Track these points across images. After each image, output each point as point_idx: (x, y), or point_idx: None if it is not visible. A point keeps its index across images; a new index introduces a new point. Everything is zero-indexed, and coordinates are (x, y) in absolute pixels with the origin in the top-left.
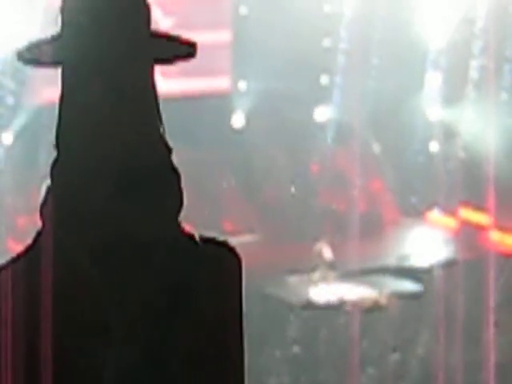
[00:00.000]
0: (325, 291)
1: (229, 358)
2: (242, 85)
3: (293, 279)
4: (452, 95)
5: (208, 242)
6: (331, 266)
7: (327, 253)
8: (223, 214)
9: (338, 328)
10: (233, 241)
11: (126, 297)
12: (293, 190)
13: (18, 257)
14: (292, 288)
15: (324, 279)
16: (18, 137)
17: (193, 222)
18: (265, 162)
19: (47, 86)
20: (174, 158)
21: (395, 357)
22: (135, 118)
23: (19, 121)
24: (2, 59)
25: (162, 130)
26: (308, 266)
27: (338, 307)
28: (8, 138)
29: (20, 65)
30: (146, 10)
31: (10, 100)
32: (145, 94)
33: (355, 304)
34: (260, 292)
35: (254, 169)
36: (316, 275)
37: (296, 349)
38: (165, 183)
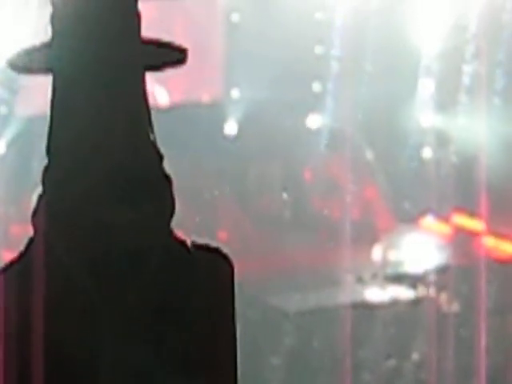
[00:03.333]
0: (351, 295)
1: (221, 365)
2: (235, 92)
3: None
4: (445, 101)
5: (200, 248)
6: (382, 267)
7: (378, 254)
8: (217, 222)
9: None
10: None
11: (118, 304)
12: (284, 195)
13: (11, 264)
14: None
15: (374, 280)
16: (10, 146)
17: (187, 230)
18: (258, 170)
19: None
20: (166, 166)
21: (390, 363)
22: (126, 125)
23: (12, 130)
24: None
25: (152, 137)
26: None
27: (365, 311)
28: (0, 146)
29: (13, 74)
30: (137, 16)
31: (2, 109)
32: (136, 101)
33: (382, 308)
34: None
35: (248, 177)
36: (366, 276)
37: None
38: (156, 190)
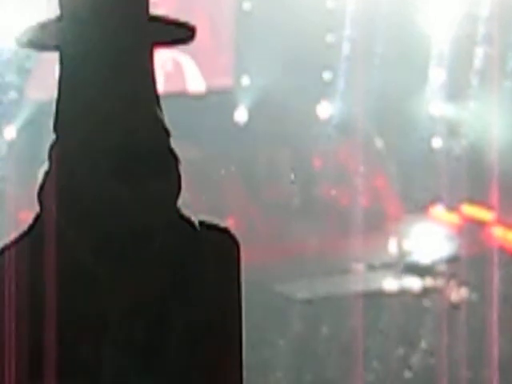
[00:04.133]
0: (361, 283)
1: (227, 343)
2: (245, 80)
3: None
4: (455, 91)
5: (208, 227)
6: (391, 256)
7: (387, 243)
8: (226, 209)
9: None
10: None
11: (123, 280)
12: (292, 177)
13: (18, 239)
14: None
15: (359, 271)
16: (20, 131)
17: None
18: (267, 157)
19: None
20: (176, 151)
21: (399, 352)
22: (134, 101)
23: (22, 115)
24: (4, 53)
25: (160, 114)
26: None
27: (374, 299)
28: (11, 132)
29: (23, 59)
30: None
31: (12, 94)
32: (144, 78)
33: (392, 296)
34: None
35: (257, 163)
36: (375, 265)
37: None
38: (163, 167)
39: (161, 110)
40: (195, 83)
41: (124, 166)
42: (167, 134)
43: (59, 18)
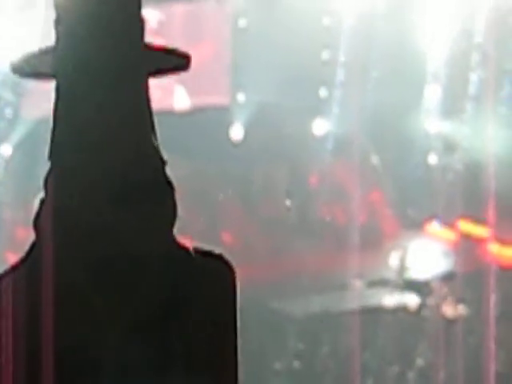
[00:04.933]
0: (357, 300)
1: (222, 369)
2: (241, 97)
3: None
4: (451, 108)
5: (203, 254)
6: (399, 273)
7: (394, 261)
8: (222, 225)
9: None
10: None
11: (119, 307)
12: (288, 203)
13: (14, 267)
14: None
15: (355, 288)
16: (16, 149)
17: (191, 233)
18: (263, 175)
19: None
20: (172, 171)
21: (395, 368)
22: (129, 130)
23: (18, 133)
24: (1, 71)
25: (155, 142)
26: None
27: (370, 316)
28: (7, 149)
29: (18, 77)
30: (141, 22)
31: (8, 112)
32: (139, 107)
33: (388, 313)
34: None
35: (253, 181)
36: (347, 284)
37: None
38: (159, 196)
39: (156, 137)
40: (181, 101)
41: (120, 194)
42: (162, 162)
43: (55, 47)
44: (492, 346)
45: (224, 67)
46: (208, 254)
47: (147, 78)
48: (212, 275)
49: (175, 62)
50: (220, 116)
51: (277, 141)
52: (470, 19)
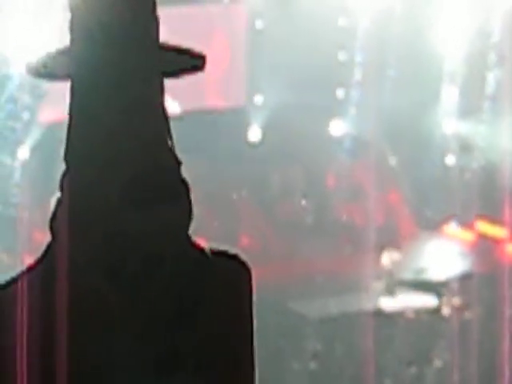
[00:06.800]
0: (375, 301)
1: (238, 372)
2: (258, 99)
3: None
4: (468, 108)
5: (218, 255)
6: (392, 274)
7: (388, 262)
8: (240, 228)
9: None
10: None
11: (134, 310)
12: (305, 204)
13: (30, 269)
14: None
15: (373, 289)
16: (33, 151)
17: (209, 236)
18: (281, 176)
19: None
20: (189, 172)
21: (412, 370)
22: (144, 131)
23: (35, 136)
24: (18, 74)
25: (170, 143)
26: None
27: (388, 317)
28: (24, 152)
29: (36, 79)
30: (156, 22)
31: (26, 115)
32: (153, 107)
33: (406, 314)
34: None
35: (270, 183)
36: (380, 284)
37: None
38: (174, 196)
39: (171, 138)
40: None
41: (136, 195)
42: (178, 163)
43: (69, 48)
44: (508, 346)
45: (240, 69)
46: (223, 254)
47: (162, 78)
48: (228, 275)
49: (190, 62)
50: (237, 118)
51: (294, 142)
52: (487, 19)
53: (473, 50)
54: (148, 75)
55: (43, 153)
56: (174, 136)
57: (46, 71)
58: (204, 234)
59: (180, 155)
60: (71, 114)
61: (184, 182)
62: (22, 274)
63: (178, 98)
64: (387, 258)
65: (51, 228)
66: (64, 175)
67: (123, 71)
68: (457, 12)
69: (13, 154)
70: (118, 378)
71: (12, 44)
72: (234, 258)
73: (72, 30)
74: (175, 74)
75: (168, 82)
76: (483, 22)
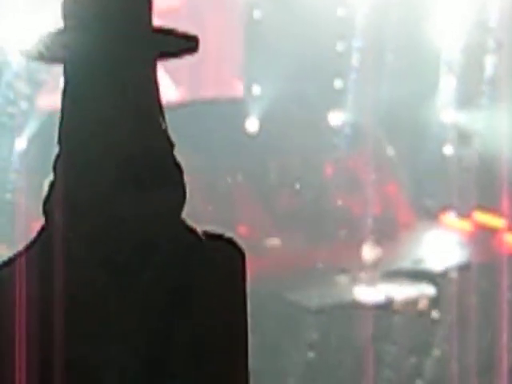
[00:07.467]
0: (372, 291)
1: (233, 355)
2: (256, 89)
3: (341, 279)
4: (466, 98)
5: (212, 237)
6: (375, 266)
7: (371, 253)
8: (238, 218)
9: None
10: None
11: (129, 294)
12: (303, 193)
13: (22, 252)
14: (340, 288)
15: (370, 279)
16: (31, 142)
17: (206, 225)
18: (279, 166)
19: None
20: (187, 163)
21: (411, 360)
22: (137, 113)
23: (33, 125)
24: (16, 63)
25: (164, 125)
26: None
27: (385, 307)
28: (21, 142)
29: (34, 69)
30: (148, 4)
31: (23, 104)
32: (147, 89)
33: (403, 305)
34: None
35: (268, 172)
36: (362, 275)
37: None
38: (167, 178)
39: (164, 121)
40: (168, 93)
41: (128, 177)
42: (171, 145)
43: (62, 31)
44: (507, 336)
45: (239, 59)
46: (218, 238)
47: (155, 60)
48: (222, 258)
49: (183, 44)
50: (235, 108)
51: (292, 132)
52: (485, 9)
53: (471, 39)
54: (141, 57)
55: (42, 141)
56: (172, 127)
57: (39, 54)
58: (201, 223)
59: (178, 146)
60: (64, 96)
61: (177, 165)
62: (15, 256)
63: (175, 88)
64: (370, 251)
65: (44, 210)
66: (57, 158)
67: (116, 53)
68: (455, 2)
69: (11, 142)
70: (109, 364)
71: (9, 31)
72: (227, 240)
73: (64, 12)
74: (169, 55)
75: (167, 73)
76: (481, 12)
